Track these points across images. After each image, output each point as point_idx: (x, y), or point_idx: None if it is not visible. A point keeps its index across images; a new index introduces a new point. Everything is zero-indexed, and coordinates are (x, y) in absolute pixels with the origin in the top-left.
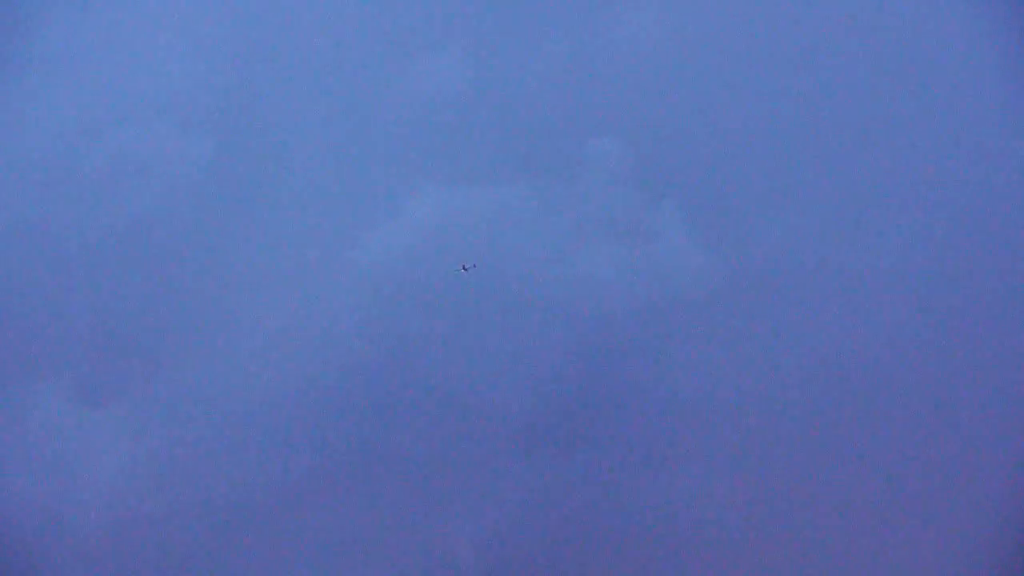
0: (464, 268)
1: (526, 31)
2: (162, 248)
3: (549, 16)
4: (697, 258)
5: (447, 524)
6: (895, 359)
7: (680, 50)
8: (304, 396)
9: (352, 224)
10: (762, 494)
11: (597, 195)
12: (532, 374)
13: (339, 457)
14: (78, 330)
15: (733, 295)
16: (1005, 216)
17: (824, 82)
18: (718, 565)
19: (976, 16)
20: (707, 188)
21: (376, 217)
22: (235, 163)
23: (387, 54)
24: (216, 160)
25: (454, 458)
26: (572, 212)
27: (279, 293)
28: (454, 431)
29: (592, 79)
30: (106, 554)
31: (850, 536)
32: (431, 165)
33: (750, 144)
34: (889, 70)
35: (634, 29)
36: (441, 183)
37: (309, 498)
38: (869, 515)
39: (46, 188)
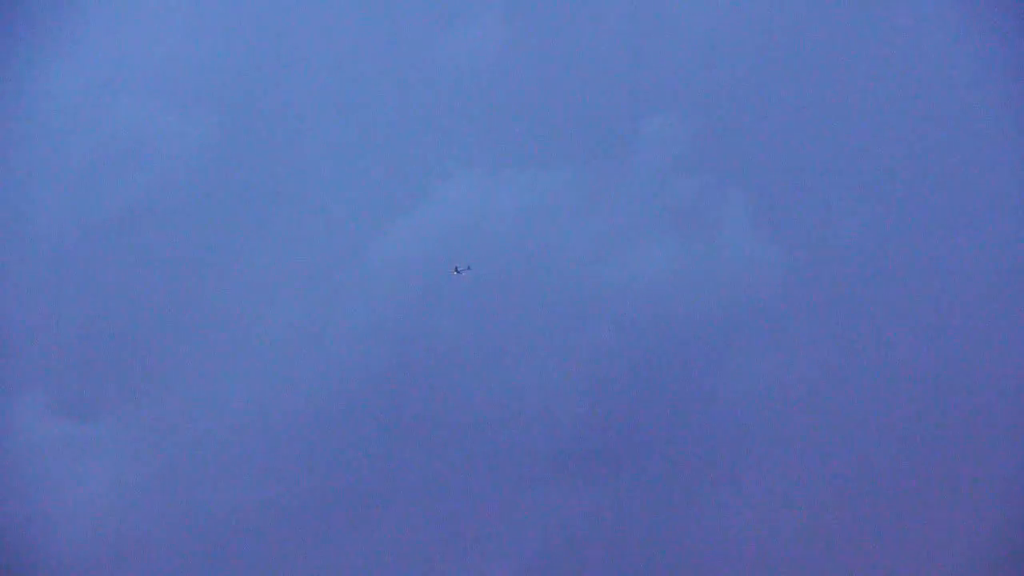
0: (457, 271)
1: None
2: (159, 245)
3: None
4: (766, 253)
5: (475, 556)
6: (1003, 377)
7: (747, 12)
8: (315, 411)
9: (371, 216)
10: (842, 528)
11: (651, 181)
12: (575, 387)
13: (353, 480)
14: (65, 336)
15: (808, 297)
16: None
17: (912, 52)
18: None
19: None
20: (777, 172)
21: (398, 208)
22: (241, 147)
23: (412, 22)
24: (220, 144)
25: (485, 481)
26: (623, 201)
27: (287, 297)
28: (486, 451)
29: (646, 48)
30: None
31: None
32: (461, 148)
33: (827, 122)
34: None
35: None
36: (473, 168)
37: (316, 525)
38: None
39: (33, 177)
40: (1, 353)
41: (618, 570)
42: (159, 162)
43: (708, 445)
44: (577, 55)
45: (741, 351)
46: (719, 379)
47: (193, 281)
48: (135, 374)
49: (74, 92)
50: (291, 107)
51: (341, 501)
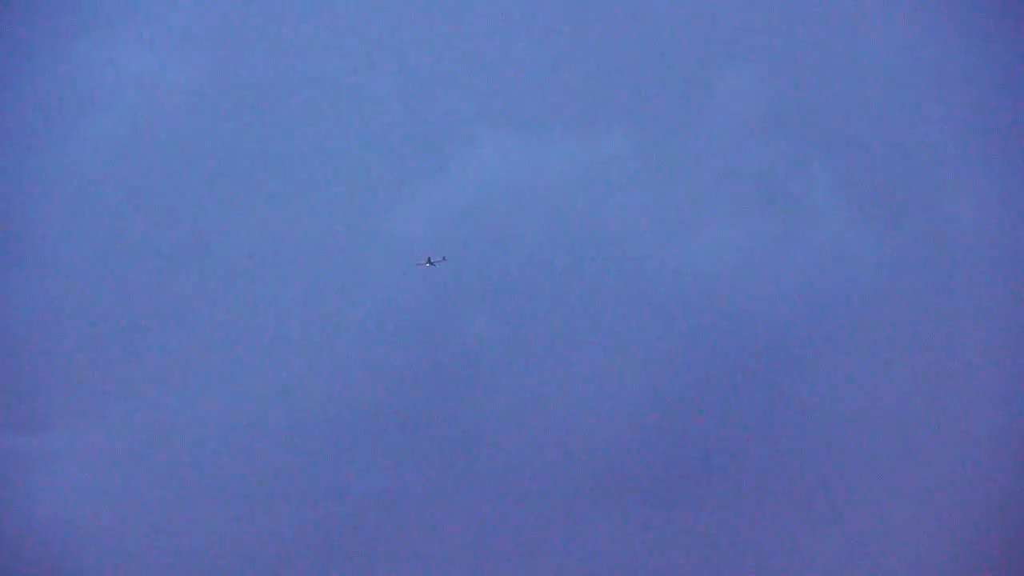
0: (430, 262)
1: None
2: (143, 222)
3: None
4: (860, 237)
5: None
6: None
7: None
8: (316, 427)
9: (386, 187)
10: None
11: (724, 148)
12: (628, 395)
13: (370, 506)
14: (27, 330)
15: (910, 289)
16: None
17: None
18: None
19: None
20: (873, 140)
21: (418, 178)
22: (236, 95)
23: None
24: (212, 90)
25: (521, 506)
26: (689, 171)
27: (288, 284)
28: (523, 471)
29: None
30: None
31: None
32: (496, 105)
33: (935, 82)
34: None
35: None
36: (509, 130)
37: (324, 558)
38: None
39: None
40: None
41: None
42: (158, 138)
43: (791, 468)
44: None
45: (829, 355)
46: (803, 388)
47: (173, 266)
48: (116, 377)
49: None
50: (297, 55)
51: (358, 530)
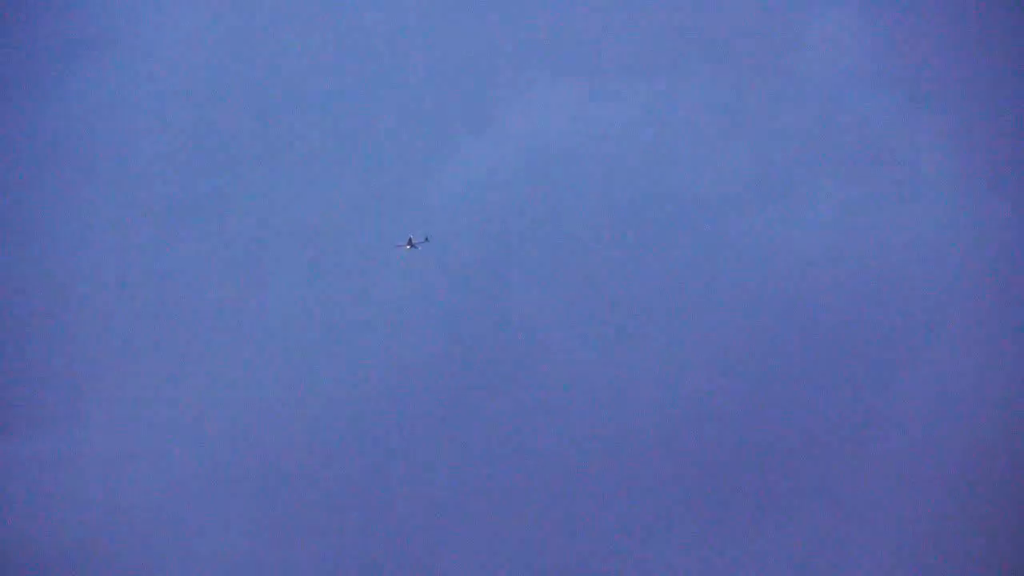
0: (411, 244)
1: None
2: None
3: None
4: (980, 206)
5: None
6: None
7: None
8: (351, 415)
9: (428, 144)
10: None
11: (818, 100)
12: (702, 387)
13: (405, 504)
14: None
15: None
16: None
17: None
18: None
19: None
20: (995, 93)
21: (463, 132)
22: (274, 50)
23: None
24: (252, 49)
25: (568, 524)
26: (778, 125)
27: (314, 260)
28: (578, 469)
29: None
30: None
31: None
32: (552, 48)
33: None
34: None
35: None
36: (568, 77)
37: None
38: None
39: None
40: None
41: None
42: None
43: (899, 469)
44: None
45: (945, 341)
46: (914, 381)
47: (183, 250)
48: (112, 364)
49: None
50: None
51: (380, 535)
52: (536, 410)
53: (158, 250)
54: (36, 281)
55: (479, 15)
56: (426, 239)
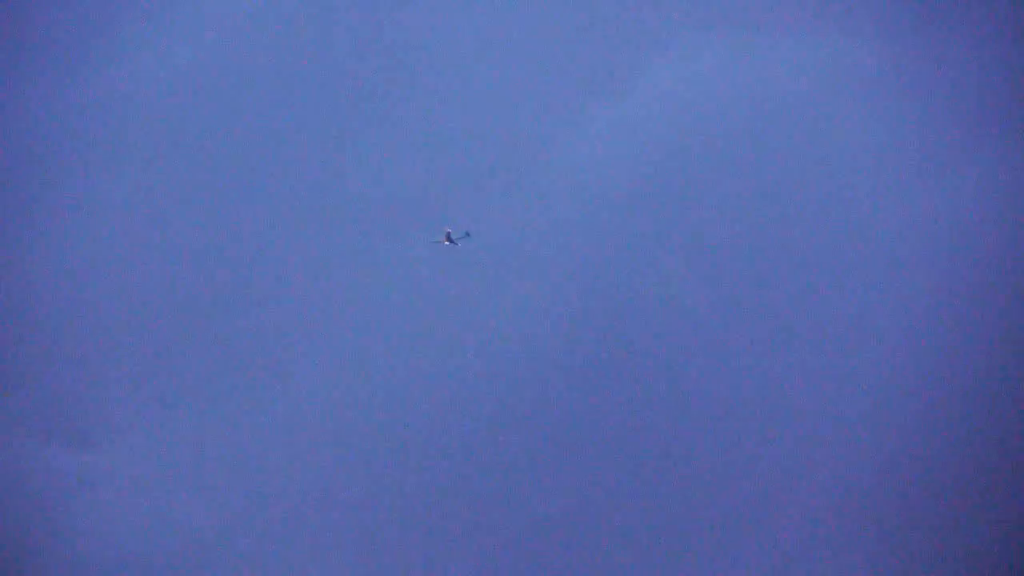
0: (450, 240)
1: None
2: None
3: None
4: None
5: None
6: None
7: None
8: (450, 427)
9: (553, 110)
10: None
11: (1004, 60)
12: (876, 392)
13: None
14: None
15: None
16: None
17: None
18: None
19: None
20: None
21: (591, 96)
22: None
23: None
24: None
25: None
26: (956, 91)
27: (415, 242)
28: (725, 484)
29: None
30: None
31: None
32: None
33: None
34: None
35: None
36: (708, 33)
37: None
38: None
39: None
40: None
41: None
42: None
43: None
44: None
45: None
46: None
47: (244, 255)
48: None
49: None
50: None
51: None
52: (673, 413)
53: (213, 272)
54: (91, 305)
55: None
56: (467, 234)
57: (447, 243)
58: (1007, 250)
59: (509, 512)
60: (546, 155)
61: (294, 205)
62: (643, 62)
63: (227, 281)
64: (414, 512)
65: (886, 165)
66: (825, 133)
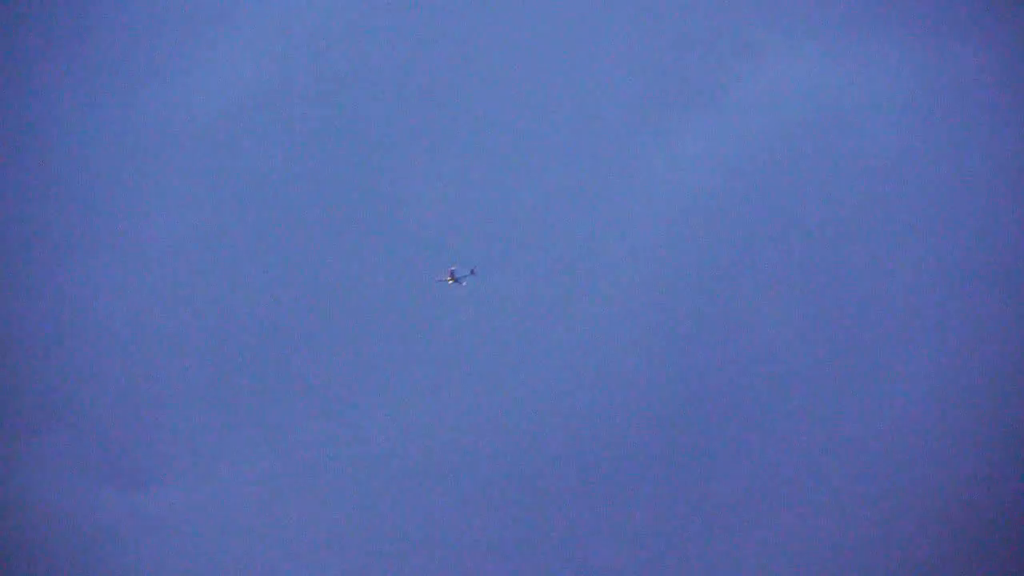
0: (454, 279)
1: None
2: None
3: None
4: None
5: None
6: None
7: None
8: (535, 467)
9: (644, 117)
10: None
11: None
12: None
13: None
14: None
15: None
16: None
17: None
18: None
19: None
20: None
21: (684, 104)
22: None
23: None
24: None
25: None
26: None
27: (503, 258)
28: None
29: None
30: None
31: None
32: (793, 5)
33: None
34: None
35: None
36: (811, 39)
37: None
38: None
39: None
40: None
41: None
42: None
43: None
44: None
45: None
46: None
47: (323, 280)
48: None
49: None
50: None
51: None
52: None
53: (269, 312)
54: (147, 344)
55: None
56: (472, 272)
57: (451, 282)
58: None
59: (573, 558)
60: (636, 172)
61: (356, 241)
62: (733, 71)
63: (284, 321)
64: (482, 555)
65: (1003, 173)
66: (932, 143)
